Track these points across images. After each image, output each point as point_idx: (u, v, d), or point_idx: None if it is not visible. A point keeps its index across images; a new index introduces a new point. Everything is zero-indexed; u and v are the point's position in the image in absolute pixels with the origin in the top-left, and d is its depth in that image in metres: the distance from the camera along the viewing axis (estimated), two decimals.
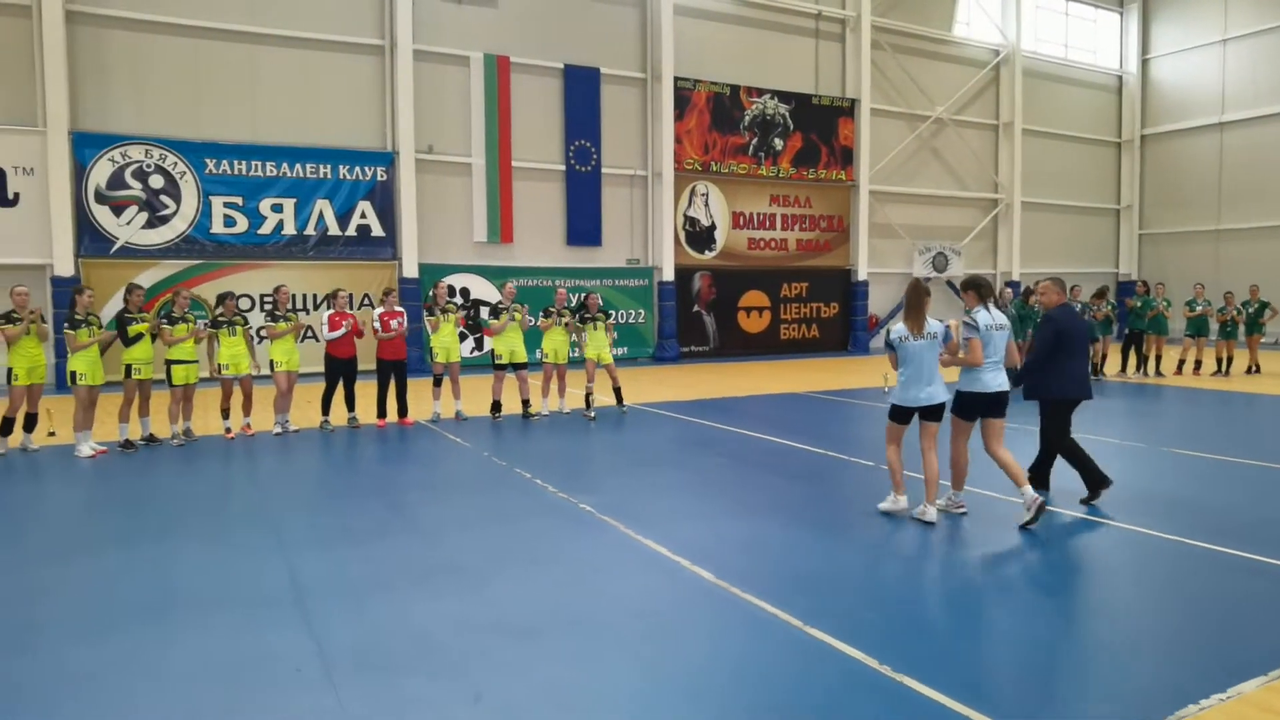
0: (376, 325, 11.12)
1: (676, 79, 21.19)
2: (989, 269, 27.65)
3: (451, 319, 11.68)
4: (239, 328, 10.46)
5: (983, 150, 27.36)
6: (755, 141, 22.66)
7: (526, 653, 4.10)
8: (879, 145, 24.72)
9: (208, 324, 10.41)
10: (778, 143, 22.98)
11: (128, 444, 9.65)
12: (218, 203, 16.82)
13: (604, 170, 20.79)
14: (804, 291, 23.84)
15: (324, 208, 17.77)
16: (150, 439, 9.91)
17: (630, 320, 21.01)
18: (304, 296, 17.41)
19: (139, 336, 9.79)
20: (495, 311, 11.76)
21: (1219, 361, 17.03)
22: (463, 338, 17.65)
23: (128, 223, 16.17)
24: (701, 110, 21.80)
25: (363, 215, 18.19)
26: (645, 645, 4.21)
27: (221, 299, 10.53)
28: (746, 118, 22.47)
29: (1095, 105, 29.98)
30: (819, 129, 23.58)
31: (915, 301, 6.42)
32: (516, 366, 11.74)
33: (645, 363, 20.69)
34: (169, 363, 9.89)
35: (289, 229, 17.48)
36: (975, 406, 6.43)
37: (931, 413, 6.42)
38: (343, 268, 17.87)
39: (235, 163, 16.91)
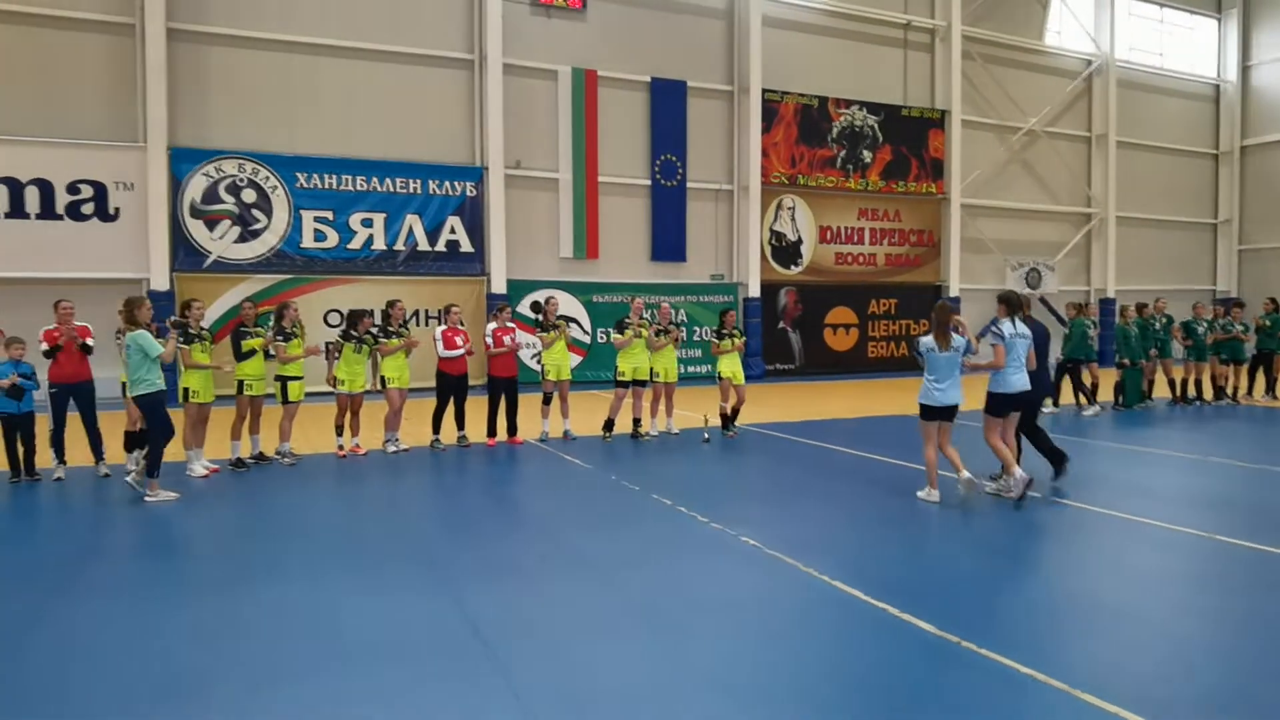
0: (489, 341, 10.73)
1: (764, 91, 20.69)
2: (1083, 285, 26.51)
3: (563, 335, 11.26)
4: (366, 346, 10.15)
5: (1075, 163, 26.31)
6: (843, 154, 22.02)
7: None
8: (969, 157, 23.88)
9: (338, 341, 10.13)
10: (866, 155, 22.30)
11: (239, 463, 9.36)
12: (308, 217, 16.73)
13: (689, 184, 20.34)
14: (893, 308, 23.04)
15: (414, 223, 17.58)
16: (260, 457, 9.61)
17: (700, 337, 20.41)
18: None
19: (252, 352, 9.52)
20: (621, 327, 11.28)
21: None
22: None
23: (220, 237, 16.15)
24: (789, 122, 21.24)
25: (452, 231, 17.97)
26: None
27: (357, 316, 10.24)
28: (835, 130, 21.85)
29: (1191, 116, 28.69)
30: (908, 141, 22.85)
31: (943, 320, 7.47)
32: (638, 383, 11.25)
33: None
34: (283, 379, 9.60)
35: (379, 244, 17.31)
36: (1005, 404, 7.57)
37: (950, 412, 7.48)
38: (432, 283, 17.65)
39: (326, 177, 16.82)
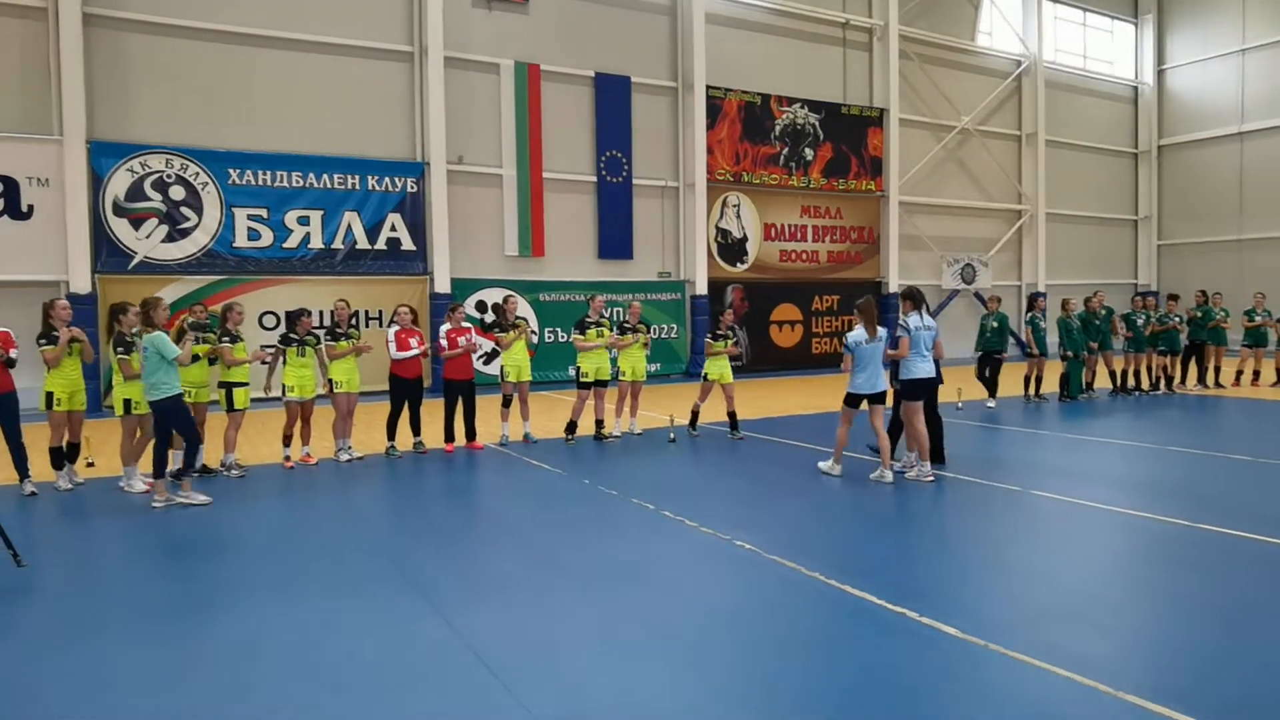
0: (443, 343, 10.31)
1: (708, 88, 20.59)
2: (1014, 280, 27.24)
3: (523, 336, 10.90)
4: (310, 348, 9.60)
5: (1006, 161, 26.99)
6: (786, 151, 22.09)
7: None
8: (906, 155, 24.25)
9: (278, 344, 9.56)
10: (808, 153, 22.42)
11: (180, 475, 8.75)
12: (241, 215, 15.94)
13: (635, 181, 20.12)
14: (835, 305, 23.22)
15: (352, 220, 16.93)
16: (204, 469, 9.01)
17: (663, 335, 20.27)
18: (326, 314, 16.43)
19: (196, 358, 8.91)
20: (583, 326, 10.96)
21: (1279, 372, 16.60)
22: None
23: (147, 236, 15.25)
24: (733, 119, 21.20)
25: (393, 228, 17.37)
26: None
27: (295, 317, 9.67)
28: (778, 127, 21.91)
29: (1113, 116, 29.76)
30: (848, 139, 23.06)
31: (870, 312, 8.22)
32: (600, 384, 10.96)
33: (679, 379, 19.92)
34: (229, 385, 9.02)
35: (316, 243, 16.61)
36: (913, 389, 8.26)
37: (880, 398, 8.31)
38: (372, 283, 17.03)
39: (260, 173, 16.06)
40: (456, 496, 8.26)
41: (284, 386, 9.43)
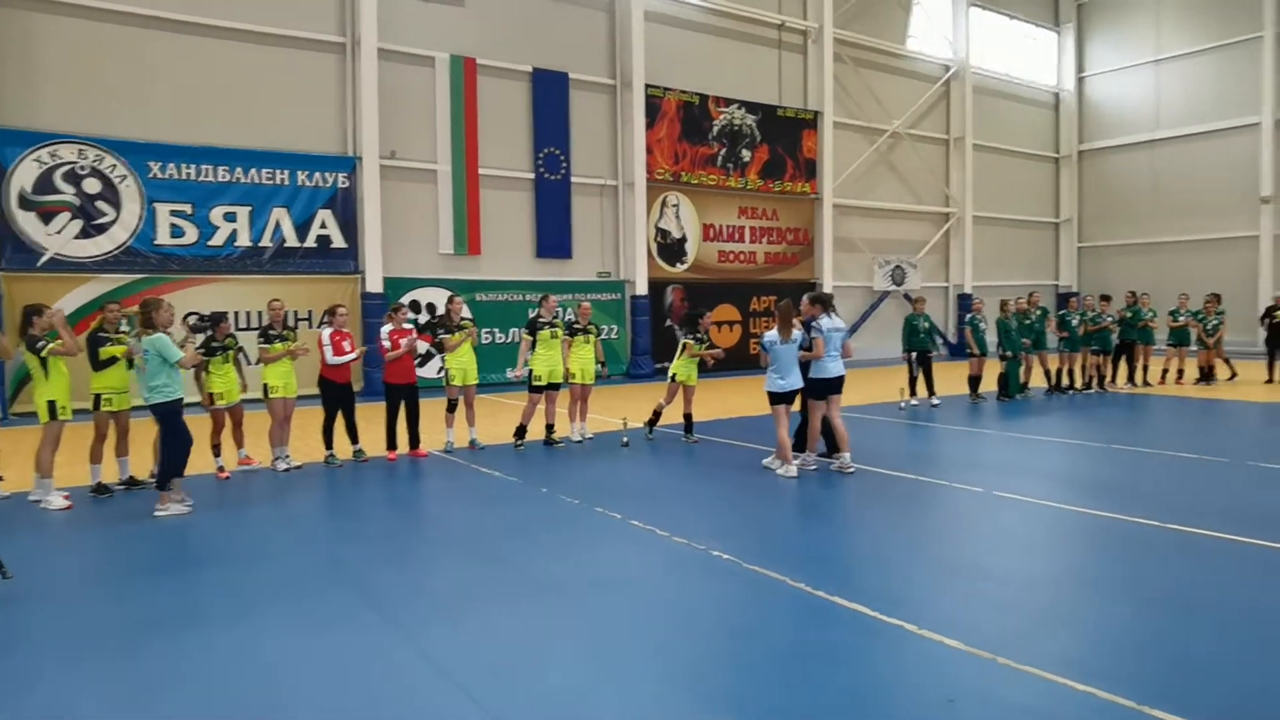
0: (386, 344, 9.88)
1: (647, 86, 20.43)
2: (943, 282, 27.86)
3: (469, 337, 10.52)
4: (232, 352, 9.07)
5: (935, 164, 27.57)
6: (724, 152, 22.09)
7: None
8: (840, 158, 24.52)
9: (201, 349, 8.98)
10: (745, 154, 22.47)
11: (101, 488, 8.17)
12: (163, 210, 15.09)
13: (574, 179, 19.82)
14: (772, 305, 23.26)
15: (281, 217, 16.21)
16: (131, 482, 8.43)
17: (604, 336, 20.00)
18: (253, 315, 15.69)
19: (112, 360, 8.32)
20: (534, 326, 10.63)
21: (1201, 370, 17.27)
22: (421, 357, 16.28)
23: (58, 231, 14.30)
24: (672, 119, 21.09)
25: (323, 225, 16.70)
26: None
27: (214, 320, 9.10)
28: (715, 128, 21.89)
29: (1037, 121, 30.72)
30: (784, 141, 23.20)
31: (785, 316, 8.59)
32: (553, 387, 10.66)
33: (620, 380, 19.72)
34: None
35: (243, 240, 15.85)
36: (823, 387, 8.80)
37: (793, 396, 8.69)
38: (302, 282, 16.32)
39: (183, 166, 15.23)
40: (409, 509, 7.87)
41: (211, 395, 8.89)
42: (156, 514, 7.26)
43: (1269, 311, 17.43)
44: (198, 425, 10.51)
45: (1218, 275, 25.42)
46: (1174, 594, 5.03)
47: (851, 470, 8.56)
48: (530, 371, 10.57)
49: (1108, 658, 4.12)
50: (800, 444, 9.23)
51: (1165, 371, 17.37)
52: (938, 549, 6.15)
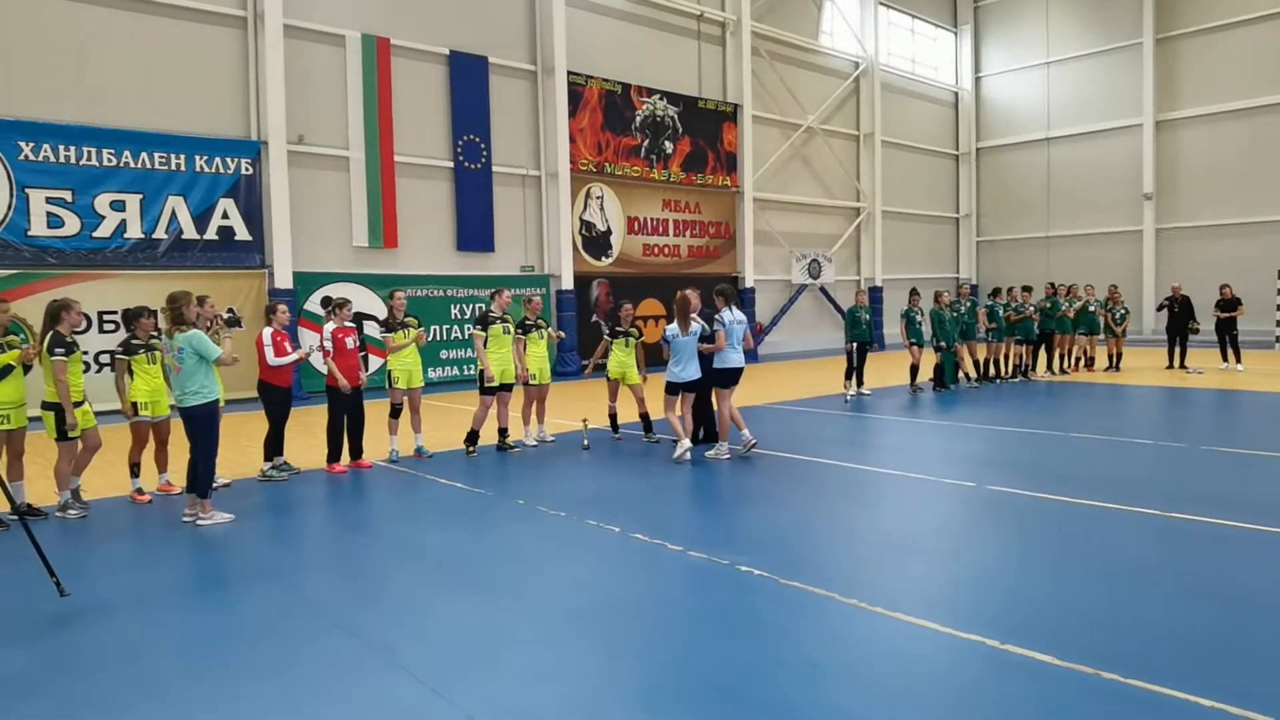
0: (328, 346, 8.91)
1: (569, 73, 19.71)
2: (854, 275, 28.23)
3: (413, 335, 9.63)
4: (158, 354, 7.92)
5: (846, 160, 27.89)
6: (647, 143, 21.60)
7: None
8: (758, 152, 24.43)
9: (119, 349, 7.81)
10: (668, 145, 22.05)
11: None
12: (37, 197, 13.41)
13: (495, 169, 18.92)
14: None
15: (177, 206, 14.72)
16: (29, 510, 7.19)
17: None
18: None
19: (8, 370, 7.11)
20: (485, 322, 9.82)
21: (1110, 357, 17.95)
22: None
23: None
24: (594, 108, 20.44)
25: (224, 215, 15.28)
26: None
27: (133, 316, 7.92)
28: (638, 118, 21.37)
29: (938, 119, 31.57)
30: (705, 134, 22.90)
31: (684, 308, 8.97)
32: (505, 388, 9.90)
33: None
34: (56, 405, 7.22)
35: (134, 231, 14.29)
36: (727, 377, 9.07)
37: (692, 386, 9.10)
38: (203, 277, 14.79)
39: (61, 148, 13.58)
40: (375, 529, 6.94)
41: (132, 405, 7.73)
42: (199, 523, 6.85)
43: (1169, 302, 18.23)
44: (114, 437, 9.24)
45: (1106, 268, 26.77)
46: (1095, 560, 5.45)
47: (726, 457, 8.96)
48: (484, 372, 9.77)
49: (1023, 617, 4.47)
50: (713, 435, 9.64)
51: (1077, 360, 18.00)
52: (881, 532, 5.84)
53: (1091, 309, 18.01)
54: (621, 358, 10.38)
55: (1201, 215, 27.00)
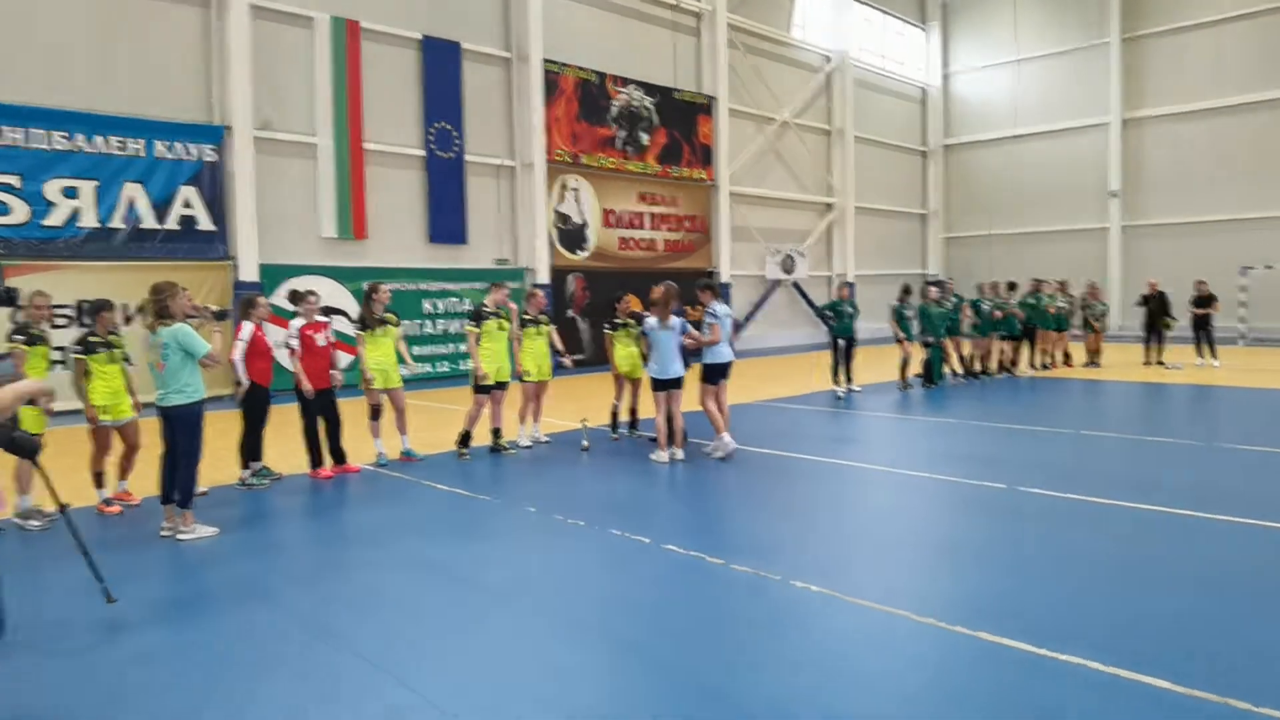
0: (294, 344, 8.27)
1: (544, 61, 19.14)
2: (826, 271, 28.07)
3: (392, 332, 9.06)
4: (119, 352, 7.27)
5: (819, 155, 27.71)
6: (623, 135, 21.13)
7: None
8: (732, 145, 24.11)
9: (76, 347, 7.14)
10: (644, 137, 21.61)
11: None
12: None
13: (468, 158, 18.29)
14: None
15: (136, 193, 13.88)
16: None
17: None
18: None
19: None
20: (479, 317, 9.29)
21: (1090, 353, 17.96)
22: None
23: None
24: (569, 97, 19.91)
25: (186, 204, 14.47)
26: None
27: (93, 310, 7.25)
28: (614, 108, 20.89)
29: (907, 115, 31.58)
30: (681, 125, 22.51)
31: (664, 301, 8.60)
32: (500, 386, 9.38)
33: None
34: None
35: (88, 220, 13.43)
36: (717, 372, 8.78)
37: (675, 383, 8.66)
38: (163, 269, 13.92)
39: (8, 130, 12.68)
40: (379, 543, 6.32)
41: (95, 409, 7.07)
42: (180, 537, 6.26)
43: (1145, 299, 18.29)
44: (68, 438, 8.51)
45: (1072, 264, 26.88)
46: (1096, 556, 5.48)
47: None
48: (478, 369, 9.24)
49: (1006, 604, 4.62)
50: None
51: (1054, 355, 18.00)
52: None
53: (1062, 304, 17.97)
54: (628, 351, 9.89)
55: (1166, 213, 27.34)
